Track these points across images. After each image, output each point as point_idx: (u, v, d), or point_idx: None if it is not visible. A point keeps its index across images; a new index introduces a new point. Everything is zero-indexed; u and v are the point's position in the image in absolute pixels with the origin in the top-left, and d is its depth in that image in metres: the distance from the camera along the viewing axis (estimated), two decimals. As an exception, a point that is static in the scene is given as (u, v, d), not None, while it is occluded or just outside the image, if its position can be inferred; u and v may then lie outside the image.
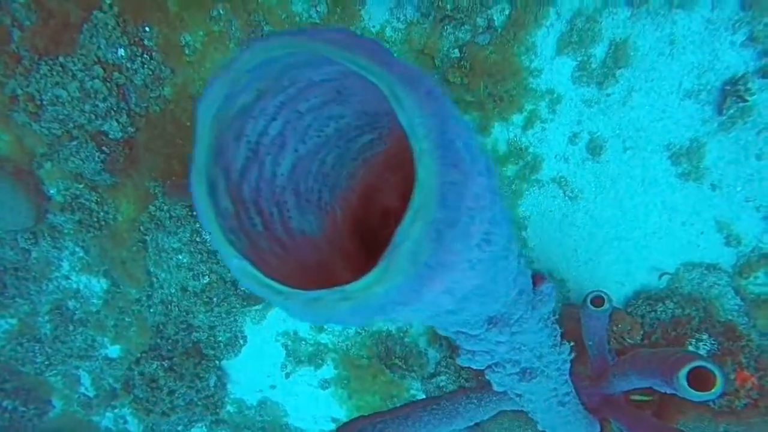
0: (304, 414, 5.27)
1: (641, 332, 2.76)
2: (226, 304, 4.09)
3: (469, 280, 0.56)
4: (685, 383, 1.45)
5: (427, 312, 0.58)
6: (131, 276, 4.38)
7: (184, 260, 3.77)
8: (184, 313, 3.99)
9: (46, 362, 5.07)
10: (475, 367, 1.26)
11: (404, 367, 4.20)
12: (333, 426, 5.24)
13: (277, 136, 0.50)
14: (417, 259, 0.38)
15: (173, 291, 4.11)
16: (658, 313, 2.85)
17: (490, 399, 2.22)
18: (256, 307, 4.56)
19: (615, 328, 2.72)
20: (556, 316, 1.55)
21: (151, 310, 4.36)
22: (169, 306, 4.10)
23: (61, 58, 2.74)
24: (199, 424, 5.41)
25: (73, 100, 2.87)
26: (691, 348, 2.55)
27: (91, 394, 5.49)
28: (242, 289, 4.38)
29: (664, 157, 2.94)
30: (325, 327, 4.56)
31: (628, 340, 2.70)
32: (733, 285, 3.10)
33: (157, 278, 4.11)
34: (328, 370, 4.79)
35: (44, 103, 2.83)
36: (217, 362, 4.46)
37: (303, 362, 4.70)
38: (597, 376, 2.55)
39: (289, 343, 4.68)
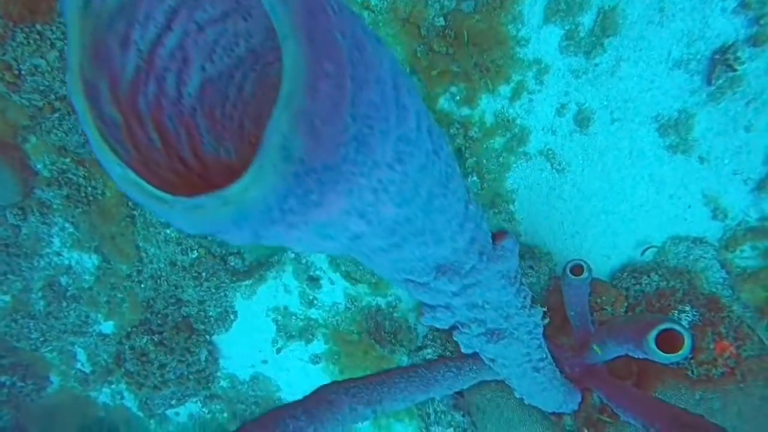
0: (297, 389, 5.32)
1: (625, 304, 2.76)
2: (215, 279, 4.10)
3: (386, 207, 0.54)
4: (654, 345, 1.44)
5: (342, 239, 0.55)
6: (121, 251, 4.38)
7: (172, 234, 3.77)
8: (173, 288, 4.01)
9: (42, 338, 5.11)
10: (439, 326, 1.25)
11: (394, 342, 4.22)
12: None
13: (177, 50, 0.48)
14: (288, 154, 0.36)
15: (162, 266, 4.12)
16: (643, 285, 2.84)
17: (470, 368, 2.22)
18: (246, 283, 4.57)
19: (599, 300, 2.72)
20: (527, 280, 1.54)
21: (142, 286, 4.38)
22: (159, 281, 4.11)
23: (38, 26, 2.69)
24: (193, 399, 5.47)
25: (53, 70, 2.83)
26: (673, 319, 2.55)
27: (87, 370, 5.54)
28: (231, 264, 4.39)
29: (652, 129, 2.90)
30: (315, 303, 4.57)
31: (612, 313, 2.71)
32: (719, 258, 3.09)
33: (146, 253, 4.12)
34: (318, 346, 4.83)
35: (23, 73, 2.79)
36: (207, 337, 4.49)
37: (294, 337, 4.73)
38: (579, 346, 2.56)
39: (280, 318, 4.71)
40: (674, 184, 2.97)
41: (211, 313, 4.43)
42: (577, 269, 2.09)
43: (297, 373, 5.13)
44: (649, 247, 2.95)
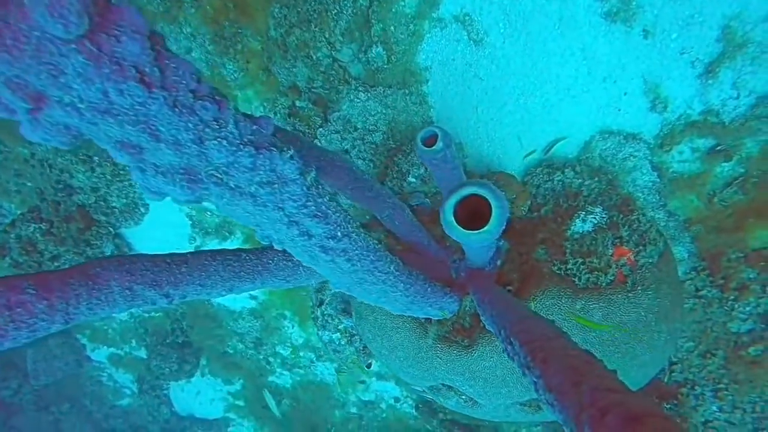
0: (223, 290, 5.11)
1: (528, 202, 2.36)
2: (109, 166, 3.66)
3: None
4: (451, 218, 1.04)
5: None
6: (14, 135, 3.92)
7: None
8: (58, 172, 3.58)
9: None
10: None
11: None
12: (253, 303, 5.13)
13: None
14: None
15: (48, 147, 3.67)
16: (555, 183, 2.43)
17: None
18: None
19: (496, 195, 2.31)
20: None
21: (35, 170, 3.95)
22: (45, 164, 3.67)
23: None
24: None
25: None
26: (578, 221, 2.17)
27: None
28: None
29: (588, -11, 2.32)
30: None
31: (513, 211, 2.31)
32: (652, 159, 2.65)
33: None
34: (238, 243, 4.53)
35: None
36: (111, 229, 4.14)
37: (210, 234, 4.41)
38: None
39: (194, 213, 4.35)
40: (610, 64, 2.45)
41: (115, 204, 4.05)
42: (432, 140, 1.64)
43: (220, 273, 4.88)
44: (531, 153, 2.49)
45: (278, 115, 3.20)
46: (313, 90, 2.96)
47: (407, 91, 2.81)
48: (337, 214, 1.38)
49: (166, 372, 6.14)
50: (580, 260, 2.00)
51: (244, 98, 3.32)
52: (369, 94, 2.84)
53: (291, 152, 1.15)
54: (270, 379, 6.07)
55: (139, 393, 6.95)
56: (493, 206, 0.99)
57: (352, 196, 2.01)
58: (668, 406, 3.00)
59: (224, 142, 0.99)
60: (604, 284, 1.98)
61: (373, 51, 2.72)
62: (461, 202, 1.08)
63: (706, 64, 2.35)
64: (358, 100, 2.87)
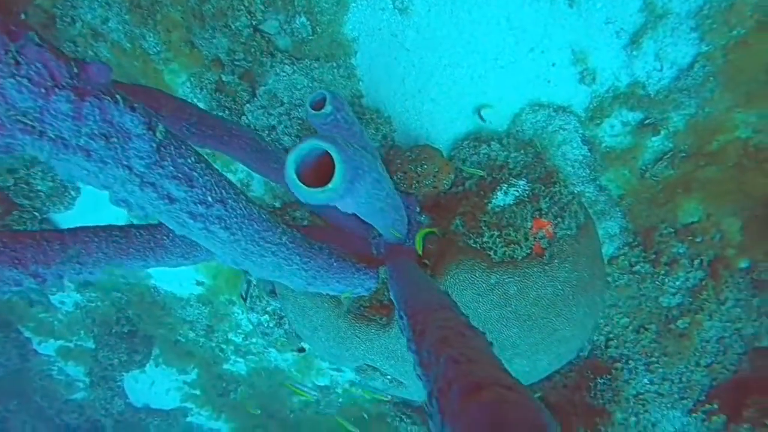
0: (169, 277, 4.95)
1: (451, 176, 2.30)
2: (27, 144, 3.42)
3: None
4: (293, 175, 0.94)
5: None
6: None
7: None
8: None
9: None
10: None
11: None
12: (200, 290, 4.97)
13: None
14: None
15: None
16: (480, 156, 2.36)
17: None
18: (83, 154, 3.92)
19: (419, 170, 2.23)
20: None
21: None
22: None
23: None
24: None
25: None
26: (499, 194, 2.11)
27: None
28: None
29: (512, -46, 2.24)
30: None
31: (434, 185, 2.24)
32: (584, 133, 2.61)
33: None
34: (178, 229, 4.35)
35: None
36: (37, 214, 3.91)
37: (148, 217, 4.22)
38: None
39: (129, 197, 4.14)
40: (536, 34, 2.38)
41: (39, 188, 3.82)
42: (320, 104, 1.53)
43: (163, 261, 4.71)
44: (481, 108, 2.41)
45: (205, 90, 3.04)
46: (236, 63, 2.81)
47: (335, 64, 2.69)
48: (207, 178, 1.27)
49: (115, 363, 5.93)
50: (496, 233, 1.94)
51: (171, 73, 3.14)
52: (295, 67, 2.71)
53: (131, 104, 1.03)
54: (225, 366, 5.94)
55: (90, 385, 6.71)
56: (336, 161, 0.90)
57: (257, 168, 1.90)
58: (602, 381, 3.02)
59: (25, 82, 0.87)
60: (520, 257, 1.93)
61: (297, 21, 2.58)
62: (319, 161, 0.99)
63: (631, 34, 2.31)
64: (284, 74, 2.73)
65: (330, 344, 2.24)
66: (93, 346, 6.18)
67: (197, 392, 6.38)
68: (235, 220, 1.35)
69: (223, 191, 1.30)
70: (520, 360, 2.03)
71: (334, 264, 1.81)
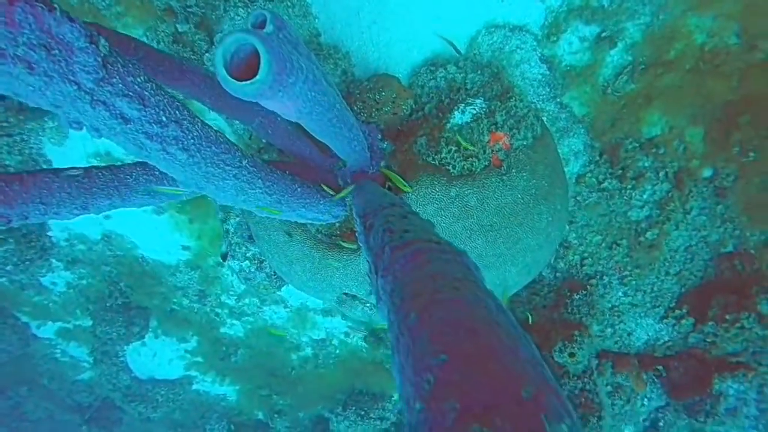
0: (154, 245, 4.98)
1: (410, 101, 2.31)
2: (-10, 117, 3.38)
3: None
4: (223, 71, 0.96)
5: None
6: None
7: None
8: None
9: None
10: None
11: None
12: (187, 255, 5.02)
13: None
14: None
15: None
16: (438, 80, 2.38)
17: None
18: (51, 125, 3.88)
19: (377, 97, 2.25)
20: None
21: None
22: None
23: None
24: (42, 263, 5.06)
25: None
26: (457, 113, 2.14)
27: None
28: (17, 101, 3.63)
29: None
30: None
31: (392, 111, 2.26)
32: (542, 52, 2.62)
33: None
34: (156, 195, 4.35)
35: None
36: (10, 189, 3.88)
37: (124, 187, 4.21)
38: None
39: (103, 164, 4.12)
40: (485, -49, 2.35)
41: (8, 162, 3.78)
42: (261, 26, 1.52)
43: (147, 226, 4.74)
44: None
45: (162, 43, 2.99)
46: (189, 10, 2.76)
47: (289, 3, 2.65)
48: (159, 98, 1.29)
49: (114, 337, 6.02)
50: (454, 148, 1.99)
51: (125, 28, 3.07)
52: (249, 10, 2.66)
53: (69, 15, 1.04)
54: (222, 330, 6.06)
55: (93, 363, 6.82)
56: (261, 52, 0.92)
57: (212, 105, 1.91)
58: (578, 297, 3.15)
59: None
60: (478, 170, 1.99)
61: (244, -41, 2.52)
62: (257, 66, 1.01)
63: (580, -59, 2.29)
64: (239, 17, 2.69)
65: (307, 277, 2.31)
66: (91, 324, 6.25)
67: (199, 359, 6.52)
68: (192, 141, 1.38)
69: (177, 112, 1.32)
70: (489, 273, 2.12)
71: (298, 189, 1.85)
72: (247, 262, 2.96)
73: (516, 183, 1.98)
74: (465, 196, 1.95)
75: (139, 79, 1.23)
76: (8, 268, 4.57)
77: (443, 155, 1.99)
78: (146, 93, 1.25)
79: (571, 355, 2.84)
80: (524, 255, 2.15)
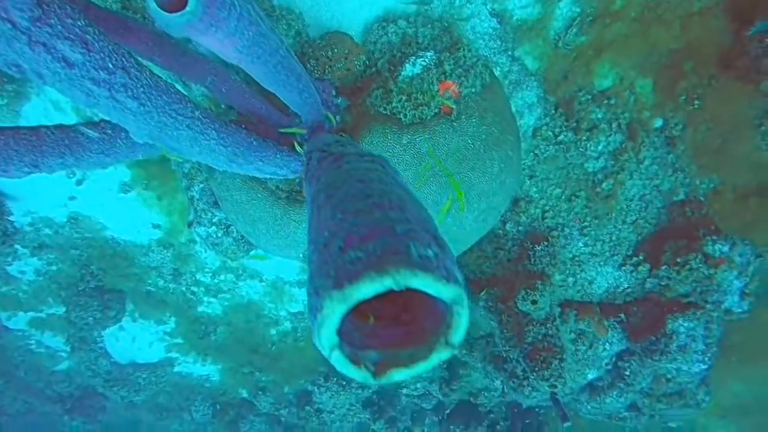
0: (123, 225, 4.91)
1: (362, 57, 2.34)
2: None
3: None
4: (154, 5, 0.99)
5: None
6: None
7: None
8: None
9: None
10: None
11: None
12: (158, 233, 4.98)
13: None
14: None
15: None
16: (390, 35, 2.41)
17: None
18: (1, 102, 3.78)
19: (329, 54, 2.27)
20: None
21: None
22: None
23: None
24: (4, 250, 4.95)
25: None
26: (408, 66, 2.18)
27: None
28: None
29: None
30: (97, 117, 3.89)
31: (346, 68, 2.28)
32: (492, 7, 2.67)
33: None
34: (122, 173, 4.30)
35: None
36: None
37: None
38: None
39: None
40: None
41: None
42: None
43: (114, 206, 4.67)
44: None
45: (114, 6, 2.93)
46: (136, -27, 2.71)
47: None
48: (104, 43, 1.29)
49: (90, 321, 5.94)
50: (404, 97, 2.04)
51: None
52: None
53: None
54: (200, 309, 6.05)
55: (71, 352, 6.74)
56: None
57: (162, 63, 1.91)
58: (539, 248, 3.27)
59: None
60: (428, 117, 2.04)
61: None
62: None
63: None
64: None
65: (271, 235, 2.36)
66: (65, 311, 6.16)
67: (179, 341, 6.51)
68: (142, 89, 1.39)
69: (123, 59, 1.33)
70: (445, 219, 2.19)
71: (254, 143, 1.88)
72: (213, 227, 2.98)
73: (466, 129, 2.04)
74: (416, 143, 2.01)
75: (79, 23, 1.23)
76: (-32, 256, 4.47)
77: (394, 104, 2.04)
78: (89, 37, 1.25)
79: (534, 302, 2.97)
80: (479, 201, 2.23)
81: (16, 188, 4.30)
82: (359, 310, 0.53)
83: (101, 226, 4.99)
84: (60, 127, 1.78)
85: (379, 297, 0.49)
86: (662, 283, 3.34)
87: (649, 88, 3.09)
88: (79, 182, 4.35)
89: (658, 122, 3.20)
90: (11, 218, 4.55)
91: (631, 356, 3.76)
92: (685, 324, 3.27)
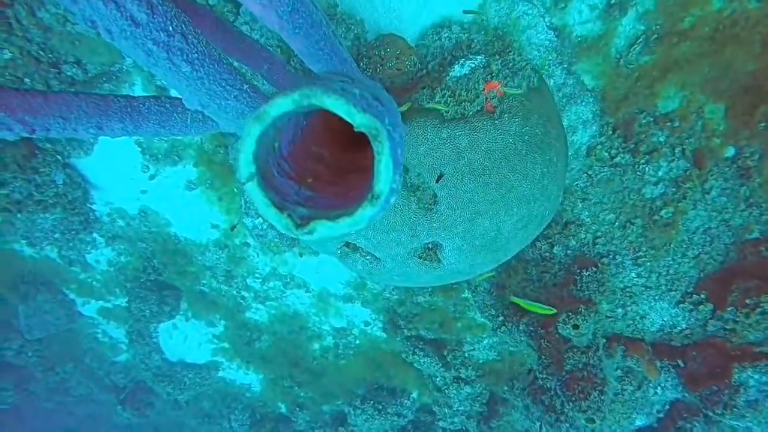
0: (185, 222, 5.23)
1: (413, 58, 2.40)
2: (41, 87, 3.73)
3: None
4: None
5: None
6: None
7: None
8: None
9: None
10: None
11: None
12: (217, 234, 5.24)
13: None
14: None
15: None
16: (443, 40, 2.46)
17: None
18: (97, 100, 4.21)
19: (382, 53, 2.35)
20: None
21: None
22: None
23: None
24: (86, 237, 5.39)
25: None
26: (456, 67, 2.21)
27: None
28: (67, 73, 3.99)
29: None
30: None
31: (396, 67, 2.35)
32: (550, 20, 2.66)
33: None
34: (189, 170, 4.61)
35: None
36: (59, 158, 4.24)
37: (161, 160, 4.49)
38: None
39: (142, 140, 4.43)
40: None
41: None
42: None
43: (179, 203, 4.99)
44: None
45: None
46: (219, -19, 2.98)
47: (309, -26, 2.82)
48: (166, 7, 1.44)
49: (147, 314, 6.26)
50: (448, 93, 2.05)
51: None
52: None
53: None
54: (247, 315, 6.21)
55: (129, 343, 7.12)
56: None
57: (223, 48, 2.06)
58: (587, 273, 3.09)
59: None
60: (470, 113, 2.04)
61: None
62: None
63: None
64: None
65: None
66: (126, 302, 6.55)
67: (226, 345, 6.70)
68: (196, 55, 1.51)
69: (183, 25, 1.47)
70: (482, 221, 2.14)
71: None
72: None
73: (507, 127, 2.02)
74: (456, 138, 2.00)
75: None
76: (56, 236, 4.92)
77: (437, 99, 2.06)
78: (154, 1, 1.40)
79: (575, 326, 2.79)
80: (519, 205, 2.17)
81: (100, 177, 4.72)
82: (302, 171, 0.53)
83: (166, 222, 5.32)
84: (126, 96, 1.97)
85: (333, 173, 0.50)
86: (728, 327, 3.02)
87: (721, 113, 2.90)
88: (152, 177, 4.71)
89: (730, 151, 2.97)
90: (93, 206, 4.98)
91: (694, 416, 3.40)
92: (755, 376, 2.91)
